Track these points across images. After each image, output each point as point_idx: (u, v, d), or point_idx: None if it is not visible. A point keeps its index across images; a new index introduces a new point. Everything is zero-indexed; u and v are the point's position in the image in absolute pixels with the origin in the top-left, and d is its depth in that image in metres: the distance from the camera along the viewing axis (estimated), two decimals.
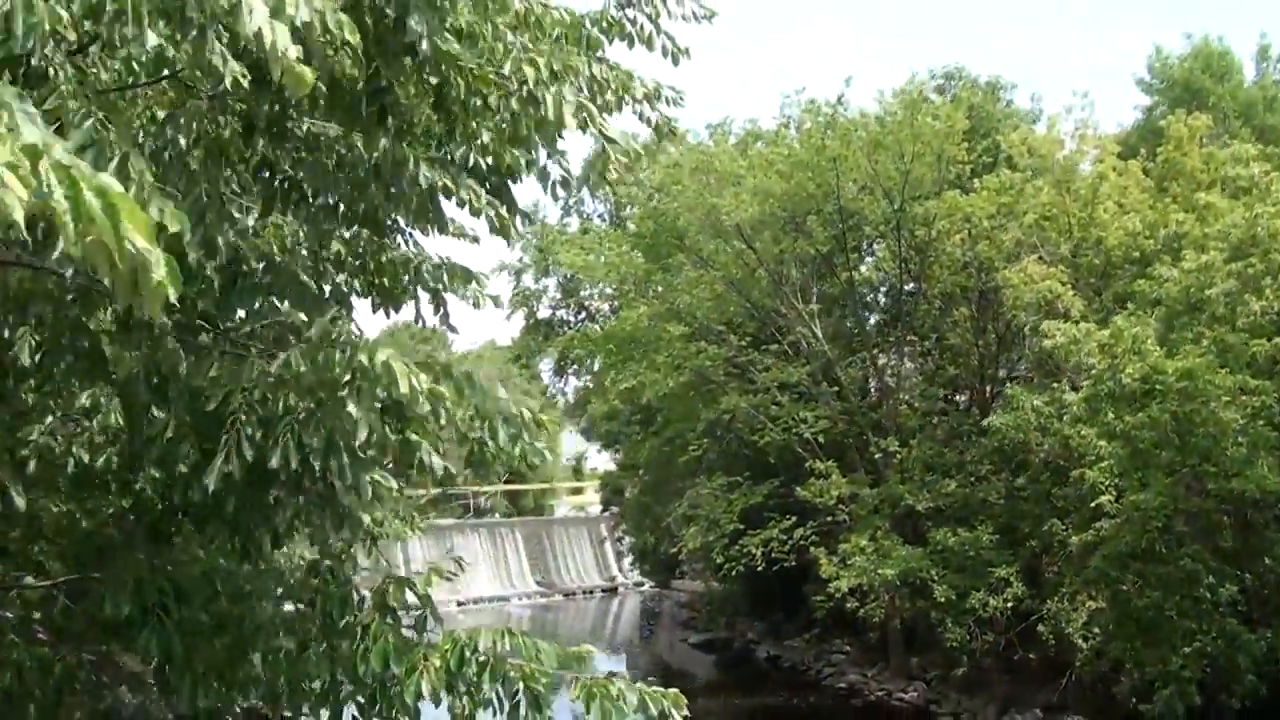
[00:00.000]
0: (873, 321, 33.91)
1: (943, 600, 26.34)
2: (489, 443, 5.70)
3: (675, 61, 6.85)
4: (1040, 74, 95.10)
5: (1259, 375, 19.59)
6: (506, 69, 5.35)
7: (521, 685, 5.61)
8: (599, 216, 48.19)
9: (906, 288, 31.98)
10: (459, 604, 46.38)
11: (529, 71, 5.34)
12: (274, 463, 5.02)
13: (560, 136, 5.53)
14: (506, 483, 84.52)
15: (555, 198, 7.05)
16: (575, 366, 45.18)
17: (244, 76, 4.78)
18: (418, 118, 5.79)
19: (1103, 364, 19.70)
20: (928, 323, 32.61)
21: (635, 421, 37.73)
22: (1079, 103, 27.78)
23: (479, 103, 5.46)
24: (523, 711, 5.60)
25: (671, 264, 32.77)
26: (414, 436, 5.30)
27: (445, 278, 6.90)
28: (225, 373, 5.29)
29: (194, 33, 4.42)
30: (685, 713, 5.96)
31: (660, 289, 32.38)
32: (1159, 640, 19.70)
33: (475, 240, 10.40)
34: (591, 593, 50.38)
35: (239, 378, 5.20)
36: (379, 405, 5.11)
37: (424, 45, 4.97)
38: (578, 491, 70.60)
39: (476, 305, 7.64)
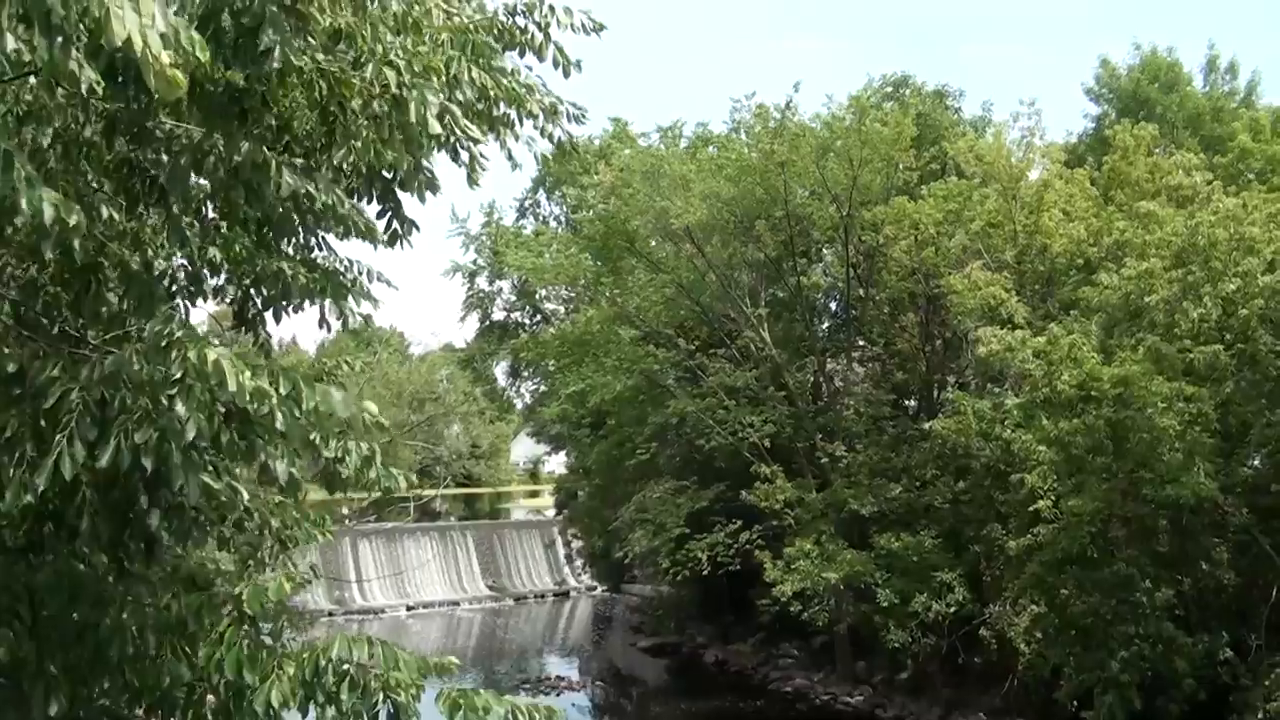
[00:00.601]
0: (823, 326, 33.95)
1: (885, 604, 26.42)
2: (348, 458, 5.65)
3: (566, 73, 6.80)
4: (1011, 86, 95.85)
5: (1197, 382, 19.72)
6: (369, 72, 5.24)
7: (381, 695, 5.47)
8: (554, 219, 47.96)
9: (856, 293, 32.05)
10: (408, 609, 46.05)
11: (390, 75, 5.25)
12: (103, 461, 4.88)
13: (425, 139, 5.40)
14: (461, 486, 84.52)
15: (422, 200, 6.92)
16: (529, 370, 44.90)
17: (98, 84, 4.71)
18: (297, 123, 5.69)
19: (1038, 371, 19.77)
20: (876, 328, 32.71)
21: (585, 424, 37.56)
22: (1025, 111, 27.95)
23: (348, 107, 5.38)
24: None
25: (622, 267, 32.71)
26: (260, 440, 5.17)
27: (322, 289, 6.74)
28: (64, 371, 5.15)
29: (58, 39, 4.33)
30: None
31: (610, 292, 32.27)
32: (1097, 645, 19.78)
33: (391, 244, 10.29)
34: (543, 597, 50.08)
35: (77, 376, 5.07)
36: (222, 409, 5.01)
37: (277, 55, 4.89)
38: (534, 495, 70.50)
39: (344, 324, 7.57)
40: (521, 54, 6.67)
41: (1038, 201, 25.38)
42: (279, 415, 4.91)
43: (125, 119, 5.46)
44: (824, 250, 31.39)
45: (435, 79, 5.40)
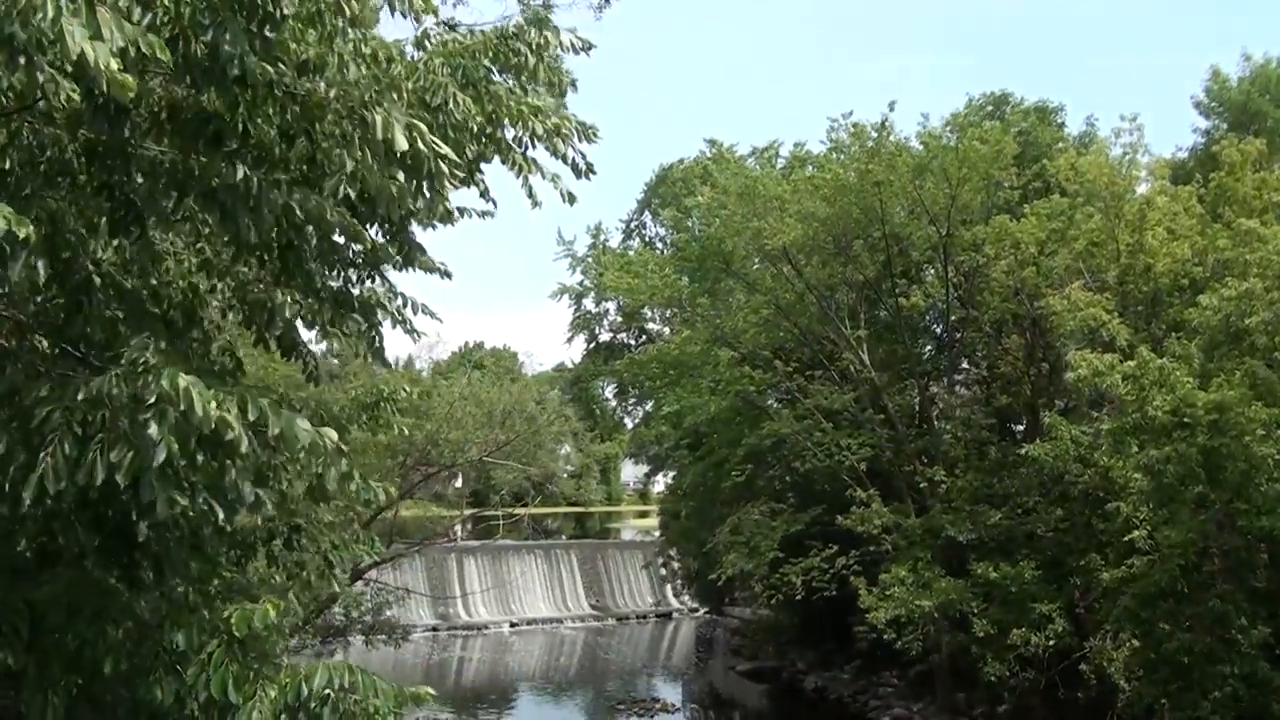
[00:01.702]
0: (925, 349, 33.30)
1: (982, 635, 25.71)
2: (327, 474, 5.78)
3: (561, 93, 6.86)
4: (1133, 100, 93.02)
5: None
6: (332, 93, 5.39)
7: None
8: (660, 240, 48.17)
9: (957, 315, 31.39)
10: (512, 625, 46.52)
11: (354, 93, 5.39)
12: (80, 478, 5.10)
13: (394, 154, 5.51)
14: (572, 505, 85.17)
15: (432, 227, 7.12)
16: (634, 390, 45.05)
17: (74, 92, 4.95)
18: (277, 148, 5.87)
19: (1129, 395, 19.06)
20: (979, 350, 31.97)
21: (684, 446, 37.50)
22: (1128, 127, 27.05)
23: (317, 130, 5.53)
24: None
25: (720, 288, 32.65)
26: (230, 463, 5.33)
27: (317, 317, 6.92)
28: (52, 391, 5.38)
29: (20, 58, 4.60)
30: None
31: (706, 313, 32.22)
32: (1191, 684, 18.91)
33: (447, 275, 10.48)
34: (645, 617, 50.12)
35: (64, 397, 5.30)
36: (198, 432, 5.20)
37: (237, 67, 5.05)
38: (643, 515, 70.63)
39: (371, 351, 7.77)
40: (517, 76, 6.75)
41: (1140, 219, 24.51)
42: (243, 440, 5.12)
43: (106, 144, 5.70)
44: (925, 271, 30.80)
45: (399, 97, 5.51)
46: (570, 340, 49.78)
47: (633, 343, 48.76)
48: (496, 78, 6.92)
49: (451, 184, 5.97)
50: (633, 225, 49.55)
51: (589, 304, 48.07)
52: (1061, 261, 26.98)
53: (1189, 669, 18.98)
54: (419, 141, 5.47)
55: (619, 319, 48.37)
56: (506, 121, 6.75)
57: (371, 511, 26.40)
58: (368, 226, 7.53)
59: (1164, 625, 19.32)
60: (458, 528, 66.70)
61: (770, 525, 30.72)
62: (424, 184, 5.74)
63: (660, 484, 67.65)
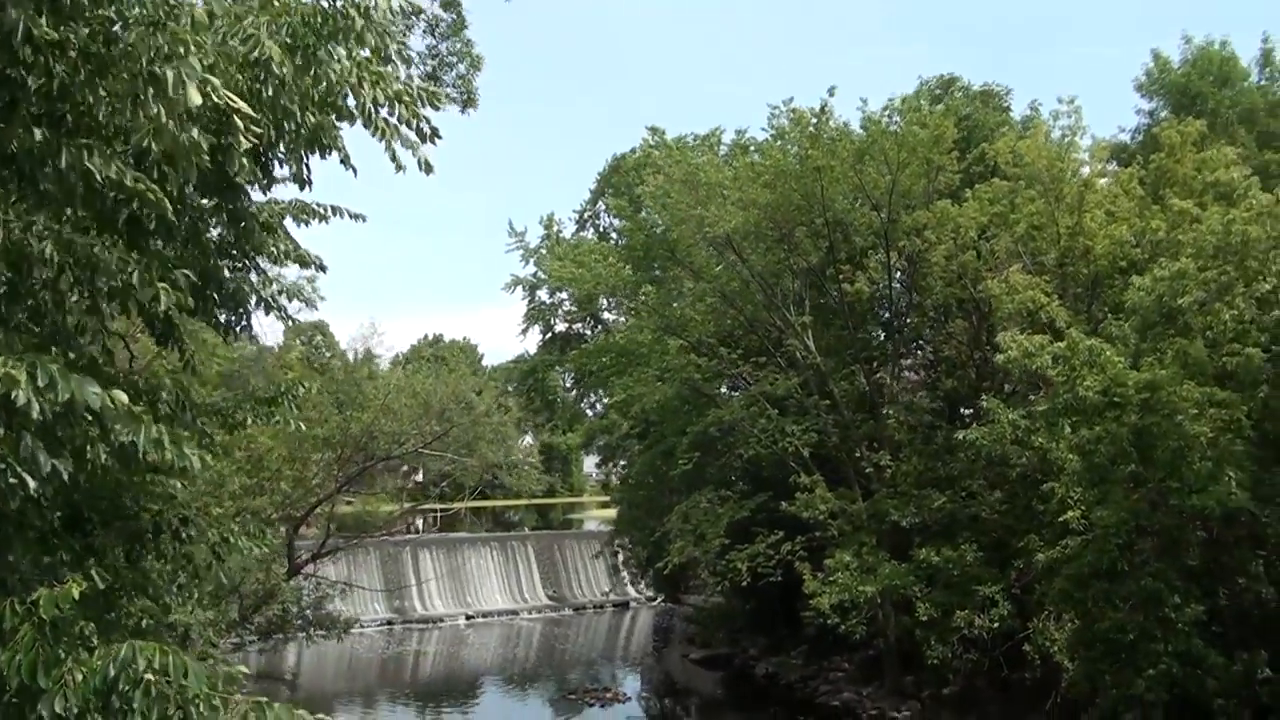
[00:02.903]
0: (872, 334, 33.27)
1: (925, 619, 25.78)
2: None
3: (386, 59, 6.75)
4: (1098, 88, 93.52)
5: (1231, 387, 18.85)
6: (121, 48, 5.22)
7: (172, 705, 5.40)
8: (614, 230, 47.90)
9: (903, 300, 31.39)
10: (467, 618, 46.32)
11: (145, 48, 5.20)
12: None
13: (190, 112, 5.33)
14: (533, 498, 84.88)
15: (262, 189, 7.07)
16: (584, 381, 44.83)
17: None
18: (74, 109, 5.68)
19: (1060, 377, 19.06)
20: (924, 335, 32.01)
21: (634, 435, 37.37)
22: (1065, 109, 27.04)
23: (114, 87, 5.35)
24: None
25: (665, 276, 32.50)
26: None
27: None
28: None
29: None
30: None
31: (651, 301, 32.07)
32: (1126, 663, 18.96)
33: (321, 268, 10.31)
34: (602, 607, 50.05)
35: None
36: None
37: (20, 30, 4.86)
38: (606, 506, 70.39)
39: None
40: (345, 42, 6.58)
41: (1079, 202, 24.55)
42: (34, 405, 4.96)
43: None
44: (869, 257, 30.74)
45: (191, 55, 5.32)
46: (525, 332, 49.49)
47: (588, 333, 48.49)
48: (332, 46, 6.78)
49: (248, 140, 5.80)
50: (586, 215, 49.28)
51: (543, 295, 47.76)
52: (1003, 245, 27.00)
53: (1124, 647, 19.03)
54: (213, 96, 5.30)
55: (574, 309, 48.09)
56: (348, 89, 6.62)
57: (309, 504, 26.26)
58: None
59: (1099, 605, 19.35)
60: (419, 521, 66.62)
61: (717, 512, 30.67)
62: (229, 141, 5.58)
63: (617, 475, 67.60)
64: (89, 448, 5.75)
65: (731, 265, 30.36)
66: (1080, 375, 18.41)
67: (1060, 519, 20.13)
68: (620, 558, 40.84)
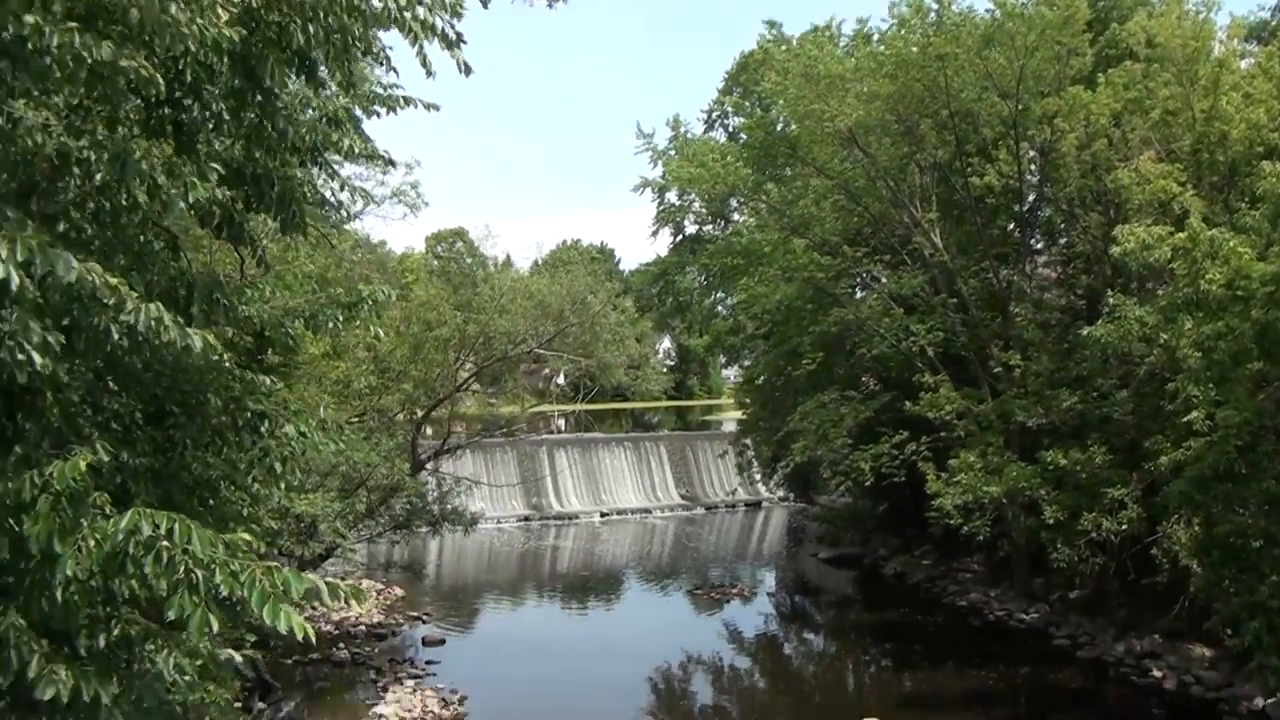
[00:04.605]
0: (1002, 230, 32.08)
1: (1051, 521, 25.21)
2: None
3: None
4: None
5: None
6: None
7: (183, 570, 5.68)
8: (742, 132, 47.16)
9: (1034, 194, 30.15)
10: (602, 515, 47.31)
11: None
12: None
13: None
14: (671, 399, 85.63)
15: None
16: (707, 281, 44.67)
17: None
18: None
19: (1181, 270, 18.11)
20: (1056, 229, 30.78)
21: (758, 335, 37.15)
22: None
23: None
24: (182, 594, 5.67)
25: (789, 175, 31.89)
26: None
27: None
28: None
29: None
30: (367, 604, 6.00)
31: (773, 200, 31.58)
32: (1248, 567, 18.26)
33: (390, 163, 10.56)
34: (735, 507, 50.46)
35: None
36: None
37: None
38: (743, 408, 70.57)
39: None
40: None
41: (1215, 84, 23.03)
42: (13, 278, 5.22)
43: None
44: (998, 148, 29.51)
45: None
46: (655, 234, 49.48)
47: (718, 235, 48.17)
48: None
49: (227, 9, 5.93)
50: (714, 115, 48.62)
51: (672, 197, 47.46)
52: (1136, 133, 25.63)
53: (1247, 552, 18.32)
54: None
55: (703, 211, 47.74)
56: None
57: (431, 402, 27.03)
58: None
59: (1220, 508, 18.62)
60: (561, 422, 67.99)
61: (840, 412, 30.41)
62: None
63: None
64: (101, 329, 5.98)
65: (855, 161, 29.63)
66: (1202, 268, 17.47)
67: (1184, 419, 19.32)
68: (746, 457, 40.93)
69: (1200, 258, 17.48)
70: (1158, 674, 23.79)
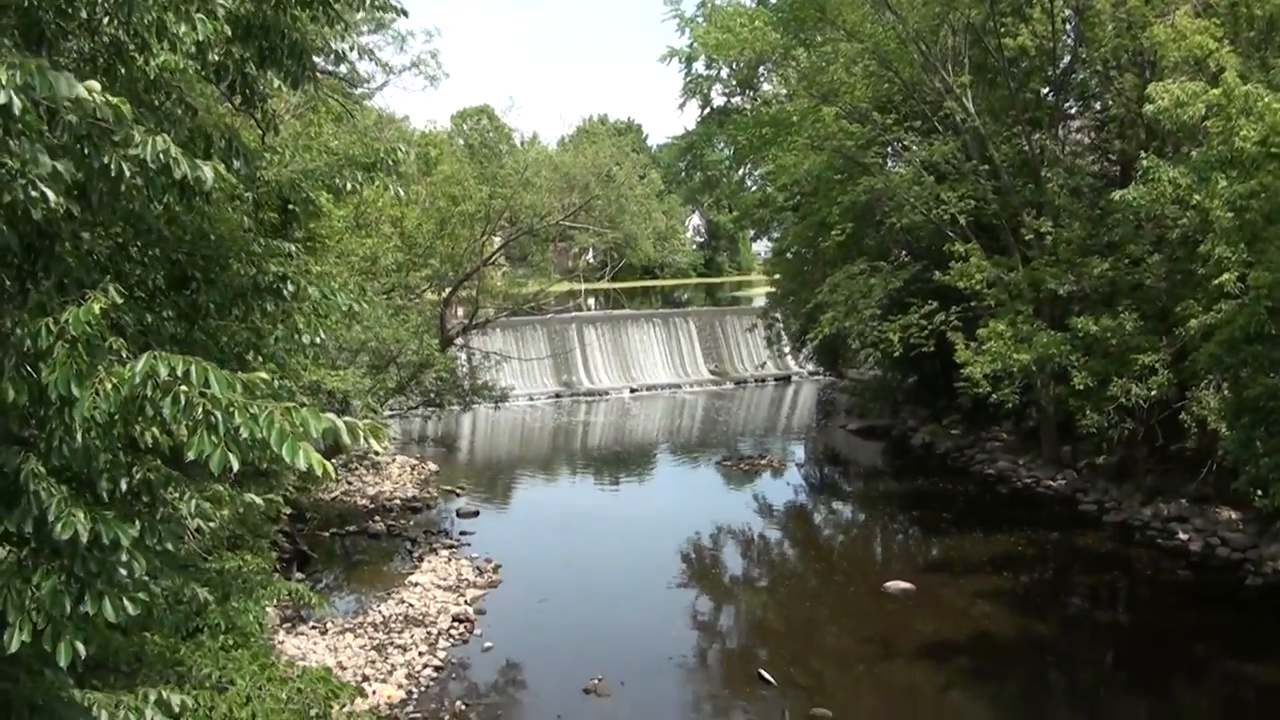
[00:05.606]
0: (1034, 93, 31.29)
1: (1080, 387, 25.15)
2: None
3: None
4: None
5: None
6: None
7: (201, 412, 5.72)
8: None
9: (1068, 55, 29.36)
10: (631, 391, 47.64)
11: None
12: None
13: None
14: (701, 276, 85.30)
15: None
16: (742, 152, 44.06)
17: None
18: None
19: (1215, 127, 17.66)
20: (1091, 91, 30.03)
21: (787, 207, 36.78)
22: None
23: None
24: (201, 435, 5.73)
25: (817, 40, 31.18)
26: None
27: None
28: None
29: None
30: (386, 444, 6.04)
31: (802, 67, 30.93)
32: (1277, 430, 18.16)
33: (402, 13, 10.42)
34: (764, 381, 50.62)
35: None
36: None
37: None
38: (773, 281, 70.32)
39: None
40: None
41: None
42: (15, 102, 5.21)
43: None
44: (1034, 5, 28.63)
45: None
46: (683, 106, 48.85)
47: (747, 107, 47.42)
48: None
49: None
50: None
51: (699, 67, 46.76)
52: None
53: (1276, 414, 18.21)
54: None
55: (732, 81, 46.98)
56: None
57: (458, 276, 27.08)
58: None
59: (1250, 371, 18.46)
60: (591, 300, 68.10)
61: (870, 283, 30.27)
62: None
63: None
64: (110, 161, 5.93)
65: (886, 23, 28.88)
66: (1236, 125, 17.03)
67: (1215, 282, 19.05)
68: (775, 330, 40.91)
69: (1234, 114, 17.01)
70: (1184, 536, 24.01)
